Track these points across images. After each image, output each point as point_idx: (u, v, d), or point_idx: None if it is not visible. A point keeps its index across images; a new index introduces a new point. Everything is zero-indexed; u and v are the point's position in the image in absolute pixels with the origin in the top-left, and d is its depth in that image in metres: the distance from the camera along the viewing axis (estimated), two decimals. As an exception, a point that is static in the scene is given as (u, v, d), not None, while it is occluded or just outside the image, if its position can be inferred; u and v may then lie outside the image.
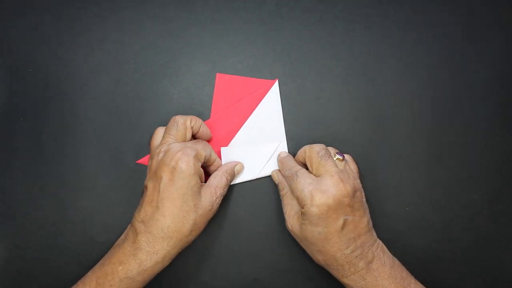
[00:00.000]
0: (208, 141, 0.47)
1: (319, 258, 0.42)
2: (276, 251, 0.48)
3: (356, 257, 0.40)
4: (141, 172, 0.48)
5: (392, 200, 0.48)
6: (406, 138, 0.48)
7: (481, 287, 0.47)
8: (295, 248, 0.47)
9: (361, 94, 0.48)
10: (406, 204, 0.48)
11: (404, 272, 0.41)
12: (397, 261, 0.42)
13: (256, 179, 0.48)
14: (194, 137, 0.46)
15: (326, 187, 0.40)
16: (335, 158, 0.44)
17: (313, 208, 0.40)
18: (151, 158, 0.43)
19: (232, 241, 0.48)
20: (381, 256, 0.41)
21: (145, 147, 0.48)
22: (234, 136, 0.48)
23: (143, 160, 0.48)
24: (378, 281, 0.40)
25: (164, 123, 0.48)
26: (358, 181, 0.43)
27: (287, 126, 0.48)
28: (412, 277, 0.42)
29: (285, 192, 0.45)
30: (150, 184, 0.41)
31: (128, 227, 0.43)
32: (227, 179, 0.45)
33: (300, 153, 0.45)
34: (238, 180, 0.48)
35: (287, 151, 0.48)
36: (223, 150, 0.47)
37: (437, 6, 0.49)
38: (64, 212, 0.48)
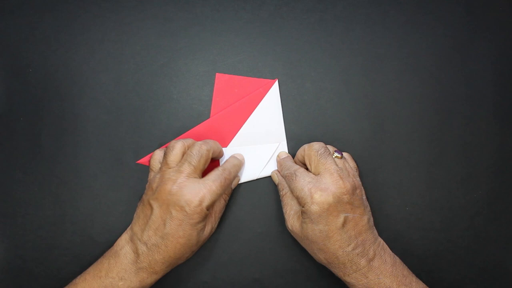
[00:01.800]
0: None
1: (320, 257, 0.42)
2: (276, 251, 0.48)
3: (358, 255, 0.40)
4: (141, 172, 0.48)
5: (392, 200, 0.48)
6: (406, 138, 0.48)
7: (481, 287, 0.47)
8: (295, 248, 0.47)
9: (361, 94, 0.48)
10: (406, 204, 0.48)
11: (405, 270, 0.41)
12: (398, 259, 0.42)
13: (256, 179, 0.48)
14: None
15: (325, 185, 0.40)
16: (333, 156, 0.44)
17: (313, 206, 0.40)
18: (164, 176, 0.41)
19: (232, 242, 0.48)
20: (382, 254, 0.41)
21: (145, 147, 0.48)
22: (234, 136, 0.48)
23: (143, 160, 0.48)
24: (380, 279, 0.40)
25: (164, 123, 0.48)
26: (358, 178, 0.44)
27: (287, 126, 0.48)
28: (414, 275, 0.42)
29: (284, 192, 0.45)
30: (157, 210, 0.40)
31: (127, 239, 0.43)
32: (225, 201, 0.46)
33: (299, 152, 0.45)
34: (241, 180, 0.48)
35: (287, 151, 0.48)
36: (223, 151, 0.47)
37: (437, 6, 0.49)
38: (64, 212, 0.48)
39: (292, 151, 0.48)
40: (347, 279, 0.41)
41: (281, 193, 0.45)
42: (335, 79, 0.48)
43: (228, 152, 0.48)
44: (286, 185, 0.45)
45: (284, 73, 0.49)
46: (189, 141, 0.44)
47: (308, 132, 0.48)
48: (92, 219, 0.48)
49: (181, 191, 0.40)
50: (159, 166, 0.44)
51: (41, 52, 0.49)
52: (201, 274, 0.48)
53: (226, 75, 0.49)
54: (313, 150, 0.43)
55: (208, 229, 0.43)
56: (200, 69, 0.49)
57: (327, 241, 0.40)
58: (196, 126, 0.48)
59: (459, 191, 0.48)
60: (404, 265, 0.42)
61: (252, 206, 0.48)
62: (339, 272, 0.41)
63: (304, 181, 0.41)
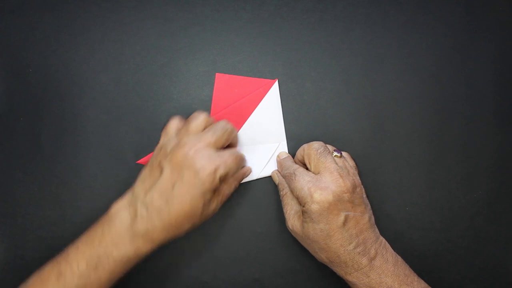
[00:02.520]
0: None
1: (322, 256, 0.42)
2: (276, 251, 0.48)
3: (359, 253, 0.40)
4: (141, 172, 0.48)
5: (392, 200, 0.48)
6: (406, 138, 0.48)
7: (481, 287, 0.47)
8: (295, 248, 0.47)
9: (361, 94, 0.48)
10: (406, 204, 0.48)
11: (407, 270, 0.41)
12: (400, 258, 0.42)
13: (256, 179, 0.48)
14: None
15: (325, 184, 0.40)
16: (333, 155, 0.44)
17: (313, 205, 0.40)
18: (182, 140, 0.40)
19: (232, 242, 0.48)
20: (384, 253, 0.41)
21: (145, 147, 0.48)
22: (234, 136, 0.48)
23: (143, 160, 0.48)
24: (381, 278, 0.40)
25: (164, 123, 0.48)
26: (358, 177, 0.44)
27: (287, 126, 0.48)
28: (415, 274, 0.42)
29: (285, 192, 0.45)
30: (168, 172, 0.39)
31: (124, 203, 0.41)
32: (235, 186, 0.45)
33: (299, 151, 0.45)
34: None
35: (287, 151, 0.48)
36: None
37: (437, 6, 0.49)
38: (64, 212, 0.48)
39: (292, 151, 0.48)
40: (349, 278, 0.41)
41: (281, 193, 0.45)
42: (335, 79, 0.48)
43: None
44: (286, 185, 0.45)
45: (284, 73, 0.49)
46: (212, 118, 0.44)
47: (308, 132, 0.48)
48: (92, 219, 0.48)
49: (198, 156, 0.39)
50: (175, 132, 0.43)
51: (41, 52, 0.49)
52: (201, 274, 0.48)
53: (226, 75, 0.49)
54: (312, 149, 0.43)
55: (212, 206, 0.42)
56: (200, 69, 0.49)
57: (328, 240, 0.40)
58: (196, 126, 0.48)
59: (459, 191, 0.48)
60: (406, 264, 0.42)
61: (252, 206, 0.48)
62: (340, 271, 0.41)
63: (303, 181, 0.41)
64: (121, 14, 0.49)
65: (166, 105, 0.48)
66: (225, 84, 0.49)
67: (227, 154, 0.41)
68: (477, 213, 0.48)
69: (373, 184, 0.48)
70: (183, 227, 0.40)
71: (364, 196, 0.43)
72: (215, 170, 0.39)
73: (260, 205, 0.48)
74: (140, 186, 0.41)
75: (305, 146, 0.44)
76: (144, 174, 0.42)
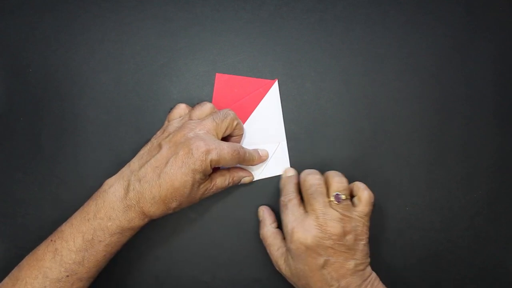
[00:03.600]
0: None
1: None
2: (276, 251, 0.48)
3: None
4: (141, 172, 0.48)
5: (392, 200, 0.48)
6: (406, 138, 0.48)
7: (481, 287, 0.47)
8: (295, 248, 0.47)
9: (361, 94, 0.48)
10: (406, 204, 0.48)
11: None
12: None
13: (257, 180, 0.48)
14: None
15: (308, 227, 0.40)
16: (331, 198, 0.42)
17: (291, 245, 0.41)
18: (184, 124, 0.42)
19: (232, 242, 0.48)
20: None
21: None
22: (234, 136, 0.48)
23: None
24: None
25: (164, 123, 0.48)
26: (357, 224, 0.41)
27: (287, 126, 0.48)
28: None
29: (265, 231, 0.45)
30: (165, 150, 0.41)
31: (117, 177, 0.42)
32: (228, 184, 0.45)
33: (300, 176, 0.45)
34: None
35: (287, 152, 0.48)
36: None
37: (437, 6, 0.49)
38: (64, 212, 0.48)
39: (292, 151, 0.48)
40: None
41: (261, 231, 0.45)
42: (335, 79, 0.48)
43: None
44: (268, 225, 0.45)
45: (284, 73, 0.49)
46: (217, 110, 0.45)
47: (308, 132, 0.48)
48: (92, 219, 0.48)
49: (195, 137, 0.41)
50: (179, 118, 0.45)
51: (41, 52, 0.49)
52: (201, 274, 0.48)
53: (226, 75, 0.49)
54: (305, 186, 0.43)
55: (201, 190, 0.42)
56: (200, 69, 0.49)
57: (310, 279, 0.40)
58: (196, 126, 0.48)
59: (459, 191, 0.48)
60: None
61: (252, 207, 0.48)
62: None
63: (291, 217, 0.41)
64: (121, 14, 0.49)
65: (166, 105, 0.48)
66: (225, 84, 0.49)
67: (225, 144, 0.42)
68: (477, 213, 0.48)
69: (373, 184, 0.47)
70: (171, 204, 0.41)
71: (361, 243, 0.41)
72: (207, 152, 0.40)
73: (260, 205, 0.48)
74: (136, 162, 0.42)
75: (302, 175, 0.44)
76: (143, 151, 0.43)
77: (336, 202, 0.41)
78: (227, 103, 0.48)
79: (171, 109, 0.46)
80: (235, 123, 0.44)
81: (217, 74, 0.49)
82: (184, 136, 0.41)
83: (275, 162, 0.48)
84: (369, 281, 0.41)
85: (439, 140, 0.48)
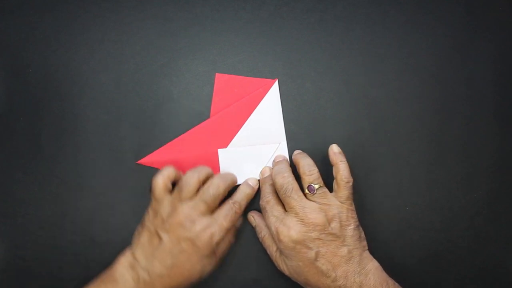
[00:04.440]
0: (208, 143, 0.47)
1: None
2: (276, 251, 0.48)
3: (340, 287, 0.39)
4: (141, 172, 0.48)
5: (392, 200, 0.48)
6: (406, 138, 0.48)
7: (481, 287, 0.47)
8: (295, 248, 0.47)
9: (361, 94, 0.48)
10: (406, 204, 0.48)
11: None
12: (391, 283, 0.41)
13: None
14: None
15: (290, 224, 0.40)
16: (306, 191, 0.42)
17: (280, 244, 0.41)
18: (177, 209, 0.42)
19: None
20: (371, 283, 0.39)
21: (145, 147, 0.48)
22: (234, 137, 0.48)
23: (143, 161, 0.48)
24: None
25: (164, 123, 0.48)
26: (340, 210, 0.41)
27: (287, 126, 0.48)
28: None
29: (263, 234, 0.45)
30: (167, 242, 0.41)
31: (126, 266, 0.42)
32: (230, 242, 0.45)
33: (272, 174, 0.45)
34: (239, 181, 0.47)
35: (286, 152, 0.47)
36: (221, 152, 0.47)
37: (437, 6, 0.49)
38: (64, 212, 0.48)
39: (292, 151, 0.48)
40: None
41: (259, 235, 0.45)
42: (335, 79, 0.48)
43: (228, 153, 0.47)
44: (263, 227, 0.45)
45: (284, 73, 0.49)
46: (203, 172, 0.44)
47: (308, 132, 0.48)
48: (92, 219, 0.48)
49: (194, 226, 0.41)
50: (165, 194, 0.43)
51: (41, 52, 0.49)
52: (201, 274, 0.48)
53: (226, 75, 0.49)
54: (277, 188, 0.43)
55: (211, 266, 0.43)
56: (200, 69, 0.49)
57: (306, 274, 0.40)
58: (196, 126, 0.48)
59: (459, 191, 0.48)
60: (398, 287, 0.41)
61: (252, 207, 0.48)
62: None
63: (272, 219, 0.42)
64: (121, 14, 0.49)
65: (166, 105, 0.48)
66: (225, 84, 0.48)
67: (222, 217, 0.42)
68: (477, 213, 0.48)
69: (373, 184, 0.48)
70: (181, 287, 0.42)
71: (350, 228, 0.41)
72: (211, 237, 0.41)
73: (249, 212, 0.48)
74: (139, 251, 0.42)
75: (273, 177, 0.44)
76: (143, 239, 0.43)
77: (311, 194, 0.42)
78: (227, 103, 0.48)
79: (151, 185, 0.44)
80: (226, 193, 0.44)
81: (217, 74, 0.49)
82: (182, 226, 0.41)
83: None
84: (369, 269, 0.40)
85: (439, 140, 0.48)
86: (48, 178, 0.48)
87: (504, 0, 0.49)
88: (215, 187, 0.43)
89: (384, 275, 0.41)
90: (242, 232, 0.48)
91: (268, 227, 0.43)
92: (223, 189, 0.43)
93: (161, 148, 0.48)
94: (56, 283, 0.47)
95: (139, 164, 0.48)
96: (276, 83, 0.48)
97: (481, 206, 0.48)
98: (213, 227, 0.41)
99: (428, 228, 0.48)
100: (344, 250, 0.40)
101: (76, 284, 0.47)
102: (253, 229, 0.47)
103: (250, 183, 0.46)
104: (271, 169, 0.46)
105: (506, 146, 0.48)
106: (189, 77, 0.49)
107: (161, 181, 0.43)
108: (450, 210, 0.48)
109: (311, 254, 0.40)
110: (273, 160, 0.47)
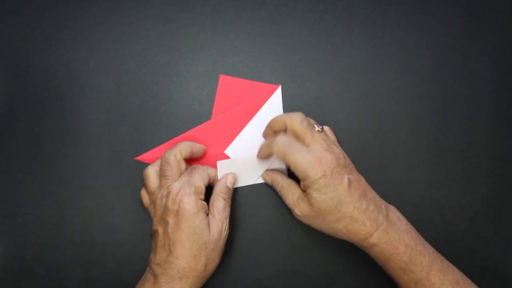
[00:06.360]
0: (209, 143, 0.47)
1: (339, 227, 0.41)
2: (276, 251, 0.48)
3: (373, 211, 0.40)
4: (141, 172, 0.48)
5: (392, 200, 0.48)
6: (406, 138, 0.48)
7: (481, 287, 0.47)
8: (295, 248, 0.47)
9: (361, 94, 0.48)
10: (406, 204, 0.48)
11: (415, 231, 0.42)
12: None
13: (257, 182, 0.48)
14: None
15: (320, 154, 0.40)
16: (316, 129, 0.43)
17: (318, 176, 0.40)
18: (154, 203, 0.44)
19: (232, 242, 0.48)
20: (392, 209, 0.43)
21: (145, 148, 0.48)
22: (233, 139, 0.48)
23: (142, 157, 0.48)
24: (399, 235, 0.40)
25: (164, 123, 0.48)
26: (339, 147, 0.44)
27: (287, 126, 0.48)
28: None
29: (281, 185, 0.45)
30: (159, 229, 0.42)
31: (147, 270, 0.44)
32: (224, 199, 0.45)
33: (274, 123, 0.44)
34: (238, 185, 0.47)
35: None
36: (219, 164, 0.47)
37: (437, 6, 0.49)
38: (64, 212, 0.48)
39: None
40: (370, 240, 0.40)
41: (277, 188, 0.45)
42: (335, 79, 0.48)
43: (224, 165, 0.47)
44: (279, 180, 0.45)
45: (284, 73, 0.49)
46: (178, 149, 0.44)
47: (308, 132, 0.48)
48: (92, 219, 0.48)
49: (167, 198, 0.42)
50: (157, 188, 0.44)
51: (41, 52, 0.49)
52: (201, 274, 0.48)
53: (230, 77, 0.49)
54: (296, 123, 0.42)
55: (215, 229, 0.42)
56: (200, 69, 0.49)
57: (341, 206, 0.40)
58: (195, 128, 0.48)
59: (459, 191, 0.48)
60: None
61: (252, 206, 0.48)
62: (360, 237, 0.41)
63: (299, 155, 0.40)
64: (121, 14, 0.49)
65: (166, 105, 0.48)
66: (228, 86, 0.48)
67: (188, 174, 0.44)
68: (477, 213, 0.48)
69: (373, 184, 0.47)
70: (198, 266, 0.42)
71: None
72: (187, 195, 0.42)
73: (260, 206, 0.48)
74: (151, 253, 0.44)
75: (284, 119, 0.43)
76: (151, 243, 0.44)
77: (321, 130, 0.43)
78: (229, 105, 0.48)
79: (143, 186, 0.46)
80: (178, 156, 0.44)
81: (220, 75, 0.49)
82: (161, 208, 0.42)
83: (276, 164, 0.47)
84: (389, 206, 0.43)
85: (439, 140, 0.48)
86: (48, 178, 0.48)
87: (504, 0, 0.49)
88: (165, 160, 0.44)
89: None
90: (242, 232, 0.48)
91: (295, 164, 0.41)
92: (173, 159, 0.44)
93: (160, 146, 0.48)
94: (56, 283, 0.47)
95: (139, 164, 0.48)
96: (280, 89, 0.48)
97: (481, 206, 0.48)
98: (187, 187, 0.42)
99: (428, 228, 0.48)
100: (363, 179, 0.43)
101: (76, 284, 0.47)
102: (253, 229, 0.47)
103: (230, 177, 0.47)
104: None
105: (506, 146, 0.48)
106: (189, 77, 0.49)
107: (152, 172, 0.45)
108: (450, 210, 0.48)
109: (345, 180, 0.40)
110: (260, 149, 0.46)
